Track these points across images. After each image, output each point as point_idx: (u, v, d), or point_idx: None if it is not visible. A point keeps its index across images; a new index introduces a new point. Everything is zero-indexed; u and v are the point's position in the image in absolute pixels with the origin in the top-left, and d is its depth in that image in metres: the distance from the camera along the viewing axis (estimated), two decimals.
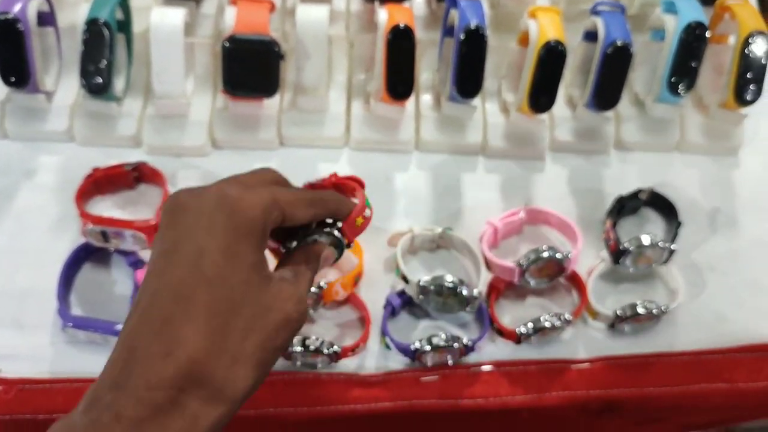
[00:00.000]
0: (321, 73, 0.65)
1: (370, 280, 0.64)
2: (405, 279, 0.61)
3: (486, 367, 0.61)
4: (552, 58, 0.62)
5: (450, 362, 0.60)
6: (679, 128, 0.71)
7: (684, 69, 0.65)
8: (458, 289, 0.59)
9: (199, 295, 0.36)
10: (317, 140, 0.68)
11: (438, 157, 0.69)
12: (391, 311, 0.61)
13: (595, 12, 0.66)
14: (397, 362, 0.61)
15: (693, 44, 0.64)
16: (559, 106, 0.70)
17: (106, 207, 0.65)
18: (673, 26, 0.65)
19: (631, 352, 0.63)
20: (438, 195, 0.68)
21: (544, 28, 0.62)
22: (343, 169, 0.68)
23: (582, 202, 0.68)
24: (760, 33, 0.64)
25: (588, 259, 0.65)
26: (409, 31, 0.61)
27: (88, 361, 0.60)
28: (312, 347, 0.58)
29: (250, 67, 0.62)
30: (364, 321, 0.62)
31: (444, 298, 0.60)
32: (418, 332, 0.62)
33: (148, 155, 0.67)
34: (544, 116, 0.67)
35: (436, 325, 0.63)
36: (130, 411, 0.34)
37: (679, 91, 0.65)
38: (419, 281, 0.59)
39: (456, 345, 0.59)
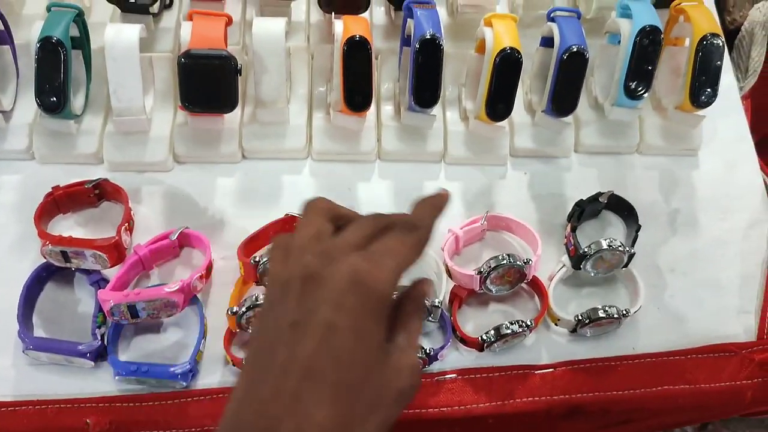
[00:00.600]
0: (279, 86, 0.65)
1: None
2: None
3: (450, 376, 0.62)
4: (507, 66, 0.62)
5: None
6: (638, 131, 0.71)
7: (640, 73, 0.65)
8: None
9: (329, 374, 0.36)
10: (279, 152, 0.68)
11: (400, 166, 0.70)
12: None
13: (551, 18, 0.67)
14: None
15: (648, 48, 0.64)
16: (519, 112, 0.70)
17: (68, 226, 0.65)
18: (629, 30, 0.65)
19: (593, 356, 0.63)
20: (400, 204, 0.68)
21: (500, 35, 0.63)
22: (306, 181, 0.69)
23: (544, 206, 0.69)
24: (714, 35, 0.64)
25: (550, 264, 0.66)
26: (365, 43, 0.62)
27: (51, 383, 0.59)
28: None
29: (207, 83, 0.62)
30: None
31: None
32: None
33: (109, 172, 0.67)
34: (504, 123, 0.68)
35: None
36: None
37: (635, 95, 0.66)
38: None
39: (419, 354, 0.59)
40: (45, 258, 0.60)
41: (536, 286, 0.64)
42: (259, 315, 0.42)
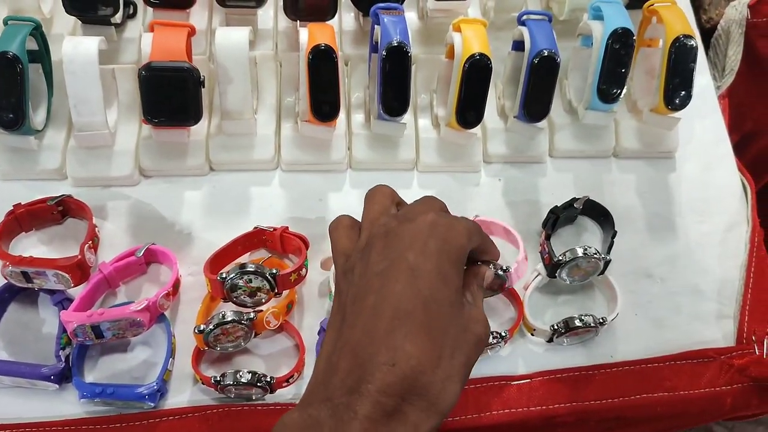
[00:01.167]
0: (245, 97, 0.63)
1: (306, 306, 0.63)
2: None
3: None
4: (477, 72, 0.61)
5: None
6: (614, 134, 0.70)
7: (613, 76, 0.64)
8: None
9: (417, 312, 0.39)
10: (247, 164, 0.67)
11: (372, 175, 0.68)
12: None
13: (521, 22, 0.65)
14: None
15: (620, 51, 0.63)
16: (492, 118, 0.69)
17: (31, 244, 0.64)
18: (600, 33, 0.64)
19: (571, 365, 0.62)
20: None
21: (468, 41, 0.62)
22: (275, 192, 0.67)
23: (519, 213, 0.68)
24: (687, 36, 0.63)
25: (526, 272, 0.64)
26: (331, 51, 0.60)
27: (15, 406, 0.58)
28: (244, 380, 0.57)
29: (170, 96, 0.60)
30: (299, 349, 0.61)
31: None
32: None
33: (74, 188, 0.66)
34: (477, 129, 0.66)
35: None
36: (367, 412, 0.37)
37: (609, 98, 0.64)
38: None
39: None
40: (6, 279, 0.59)
41: (511, 295, 0.63)
42: (337, 280, 0.45)
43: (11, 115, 0.59)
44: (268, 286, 0.57)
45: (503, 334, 0.60)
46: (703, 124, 0.73)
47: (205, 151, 0.66)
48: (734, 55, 0.78)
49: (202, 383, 0.58)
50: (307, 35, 0.62)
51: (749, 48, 0.80)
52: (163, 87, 0.59)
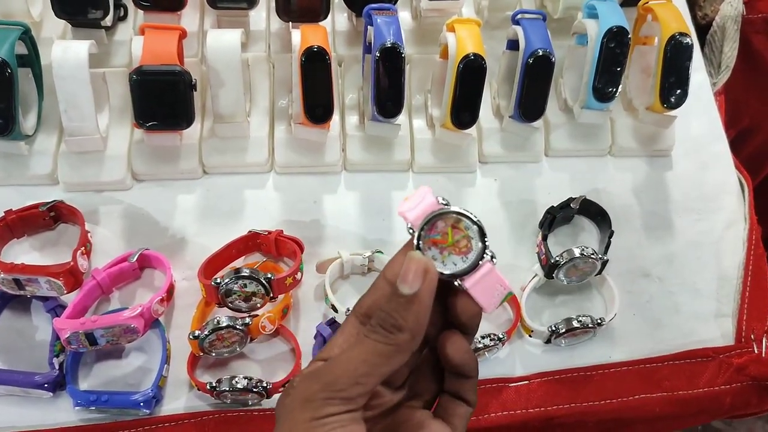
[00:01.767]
0: (237, 100, 0.62)
1: (301, 310, 0.62)
2: (334, 308, 0.59)
3: None
4: (471, 73, 0.60)
5: None
6: (609, 133, 0.70)
7: (608, 74, 0.63)
8: None
9: None
10: (241, 166, 0.66)
11: (367, 176, 0.68)
12: (322, 342, 0.60)
13: (515, 21, 0.65)
14: None
15: (615, 50, 0.63)
16: (487, 118, 0.69)
17: (23, 250, 0.63)
18: (595, 31, 0.63)
19: (569, 366, 0.62)
20: (368, 215, 0.66)
21: (462, 41, 0.61)
22: (269, 195, 0.67)
23: (515, 214, 0.67)
24: (682, 34, 0.63)
25: (523, 273, 0.64)
26: (324, 53, 0.59)
27: (9, 414, 0.58)
28: (240, 386, 0.56)
29: (161, 99, 0.59)
30: (295, 353, 0.60)
31: None
32: None
33: (66, 193, 0.65)
34: (472, 129, 0.66)
35: None
36: None
37: (604, 97, 0.64)
38: (348, 310, 0.58)
39: None
40: None
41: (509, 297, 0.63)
42: None
43: (1, 120, 0.58)
44: (263, 291, 0.57)
45: (501, 336, 0.59)
46: (700, 122, 0.73)
47: (198, 154, 0.65)
48: (730, 51, 0.78)
49: (198, 389, 0.58)
50: (299, 37, 0.61)
51: (745, 44, 0.80)
52: (154, 91, 0.59)
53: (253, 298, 0.57)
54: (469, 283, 0.38)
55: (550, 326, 0.61)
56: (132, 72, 0.58)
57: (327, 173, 0.67)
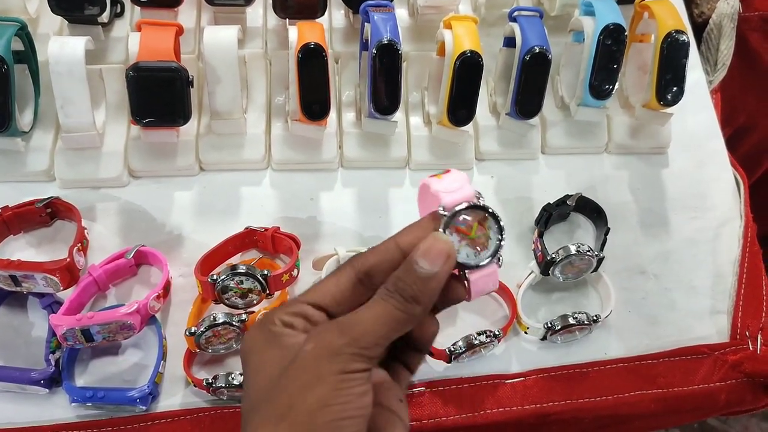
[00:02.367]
0: (234, 96, 0.62)
1: None
2: None
3: (418, 389, 0.60)
4: (468, 70, 0.61)
5: None
6: (606, 130, 0.70)
7: (604, 72, 0.64)
8: None
9: None
10: (238, 163, 0.66)
11: (363, 173, 0.68)
12: None
13: (512, 18, 0.65)
14: None
15: (611, 47, 0.63)
16: (484, 115, 0.69)
17: (19, 247, 0.63)
18: (592, 29, 0.63)
19: (565, 363, 0.62)
20: (365, 212, 0.66)
21: (459, 38, 0.61)
22: (266, 192, 0.67)
23: (512, 211, 0.67)
24: (679, 32, 0.63)
25: (519, 270, 0.64)
26: (320, 50, 0.59)
27: (6, 411, 0.58)
28: (236, 382, 0.56)
29: (158, 96, 0.59)
30: None
31: None
32: None
33: (62, 189, 0.65)
34: (468, 127, 0.66)
35: None
36: None
37: (601, 94, 0.64)
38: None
39: None
40: None
41: (505, 293, 0.63)
42: None
43: None
44: (259, 288, 0.57)
45: (497, 332, 0.59)
46: (696, 119, 0.73)
47: (195, 151, 0.66)
48: (726, 49, 0.78)
49: (194, 386, 0.58)
50: (296, 34, 0.61)
51: (741, 42, 0.80)
52: (151, 87, 0.59)
53: (250, 295, 0.57)
54: (473, 276, 0.40)
55: (546, 323, 0.61)
56: (129, 68, 0.58)
57: (324, 170, 0.67)
